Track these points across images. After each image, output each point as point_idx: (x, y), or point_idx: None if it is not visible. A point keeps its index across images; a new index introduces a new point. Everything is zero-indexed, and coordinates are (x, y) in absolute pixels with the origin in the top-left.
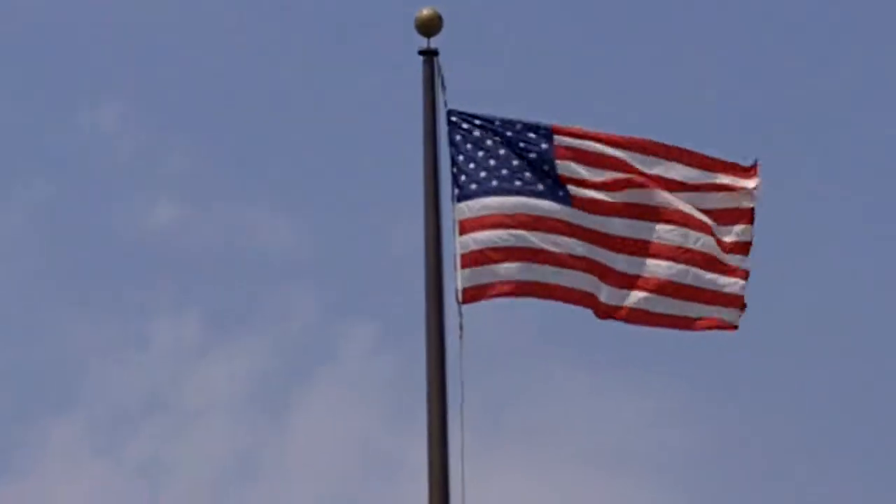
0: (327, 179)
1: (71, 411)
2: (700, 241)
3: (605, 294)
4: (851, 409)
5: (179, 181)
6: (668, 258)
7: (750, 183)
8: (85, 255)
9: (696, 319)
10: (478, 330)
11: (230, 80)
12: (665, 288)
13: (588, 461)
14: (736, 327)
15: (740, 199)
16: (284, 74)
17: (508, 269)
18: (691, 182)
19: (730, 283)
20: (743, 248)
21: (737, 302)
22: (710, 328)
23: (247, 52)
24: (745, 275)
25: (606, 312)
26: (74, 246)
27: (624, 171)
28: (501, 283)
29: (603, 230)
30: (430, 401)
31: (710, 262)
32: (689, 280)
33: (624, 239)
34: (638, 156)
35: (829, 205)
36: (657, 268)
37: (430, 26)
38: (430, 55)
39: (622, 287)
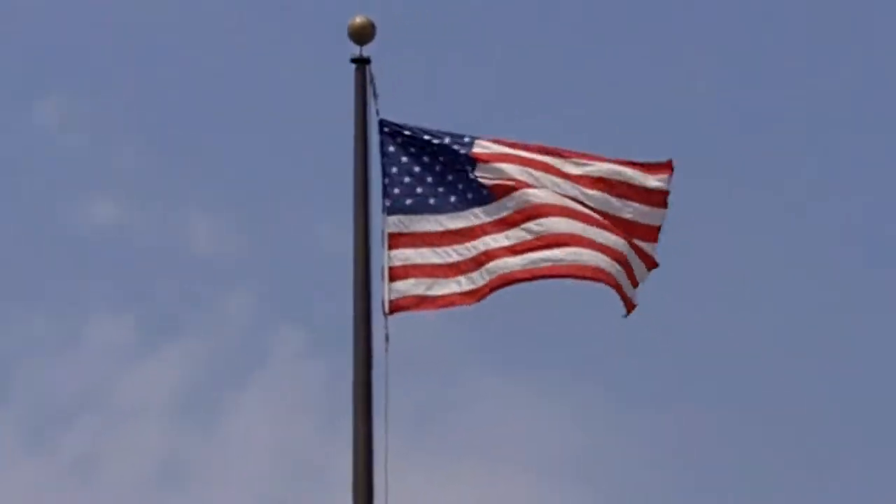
0: (261, 183)
1: (3, 408)
2: (612, 241)
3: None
4: (766, 403)
5: (119, 181)
6: (594, 224)
7: (662, 179)
8: (21, 252)
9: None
10: (404, 339)
11: (166, 82)
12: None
13: (515, 467)
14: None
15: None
16: (221, 77)
17: (437, 285)
18: (610, 179)
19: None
20: (652, 233)
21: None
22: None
23: (181, 53)
24: (653, 263)
25: (533, 274)
26: (11, 242)
27: (546, 171)
28: (429, 298)
29: (527, 204)
30: (355, 410)
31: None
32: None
33: (551, 205)
34: (559, 160)
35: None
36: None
37: (362, 34)
38: (362, 63)
39: (548, 247)
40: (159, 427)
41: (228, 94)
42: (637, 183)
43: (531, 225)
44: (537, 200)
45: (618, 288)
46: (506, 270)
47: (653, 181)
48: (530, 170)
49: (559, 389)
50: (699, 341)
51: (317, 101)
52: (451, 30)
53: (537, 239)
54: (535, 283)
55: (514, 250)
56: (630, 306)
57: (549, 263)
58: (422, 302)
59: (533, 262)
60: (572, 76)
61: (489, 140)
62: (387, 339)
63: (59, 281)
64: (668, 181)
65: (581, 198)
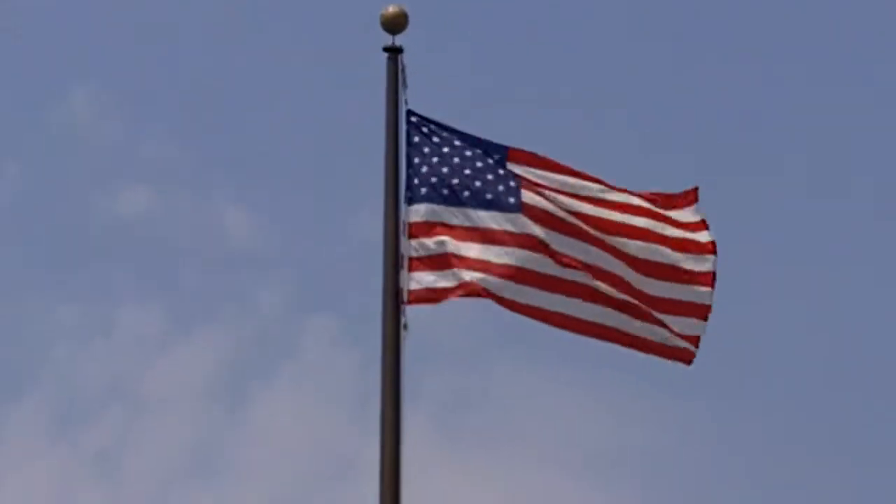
0: (292, 173)
1: (30, 396)
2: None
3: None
4: (820, 409)
5: (150, 170)
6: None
7: (693, 214)
8: (51, 241)
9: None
10: (435, 330)
11: (199, 72)
12: (625, 306)
13: (546, 462)
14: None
15: (694, 233)
16: (254, 67)
17: (454, 276)
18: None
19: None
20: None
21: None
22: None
23: (214, 46)
24: (707, 310)
25: (561, 324)
26: (40, 231)
27: (577, 198)
28: (448, 287)
29: (555, 246)
30: (383, 399)
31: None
32: (654, 290)
33: (574, 258)
34: (589, 185)
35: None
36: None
37: (395, 24)
38: (394, 52)
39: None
40: (188, 416)
41: (261, 84)
42: (673, 220)
43: (557, 266)
44: (561, 246)
45: (652, 347)
46: (521, 299)
47: (687, 215)
48: (562, 197)
49: (602, 385)
50: (729, 334)
51: (349, 91)
52: (484, 21)
53: (558, 280)
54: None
55: (530, 278)
56: (679, 355)
57: (568, 314)
58: (440, 293)
59: (550, 303)
60: (608, 75)
61: (521, 154)
62: (405, 327)
63: (90, 270)
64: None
65: (617, 245)
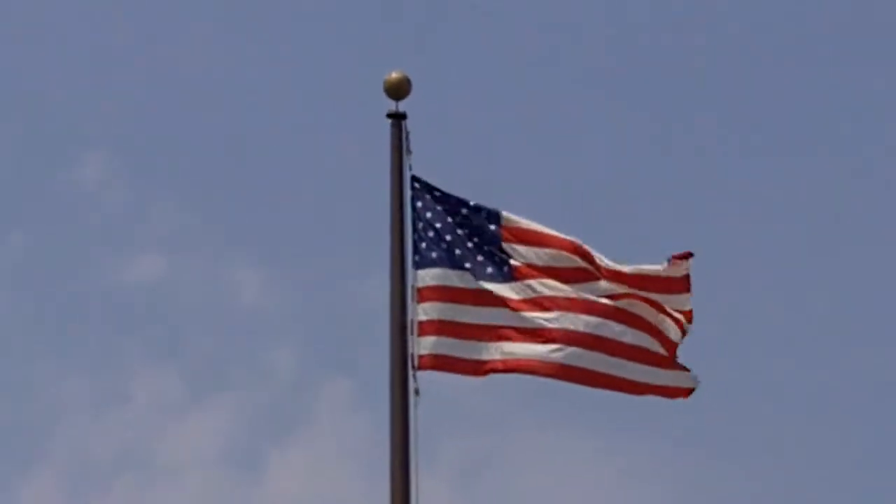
0: (303, 238)
1: (43, 466)
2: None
3: (560, 355)
4: (819, 461)
5: (161, 237)
6: (613, 318)
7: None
8: (65, 310)
9: (643, 384)
10: (445, 393)
11: (209, 141)
12: (611, 346)
13: None
14: (689, 392)
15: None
16: (261, 132)
17: (461, 348)
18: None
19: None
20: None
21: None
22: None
23: (221, 111)
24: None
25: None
26: (55, 300)
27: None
28: (459, 359)
29: (548, 293)
30: (392, 467)
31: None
32: (634, 341)
33: (569, 299)
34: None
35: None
36: (601, 326)
37: (398, 89)
38: (398, 118)
39: (565, 343)
40: (203, 484)
41: (269, 150)
42: (662, 275)
43: (550, 315)
44: (556, 292)
45: (649, 389)
46: (523, 357)
47: (677, 272)
48: (554, 259)
49: (609, 446)
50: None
51: (356, 155)
52: (488, 86)
53: (556, 331)
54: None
55: (533, 335)
56: (676, 392)
57: (571, 363)
58: (447, 362)
59: (551, 356)
60: (617, 140)
61: (517, 221)
62: (416, 393)
63: (102, 338)
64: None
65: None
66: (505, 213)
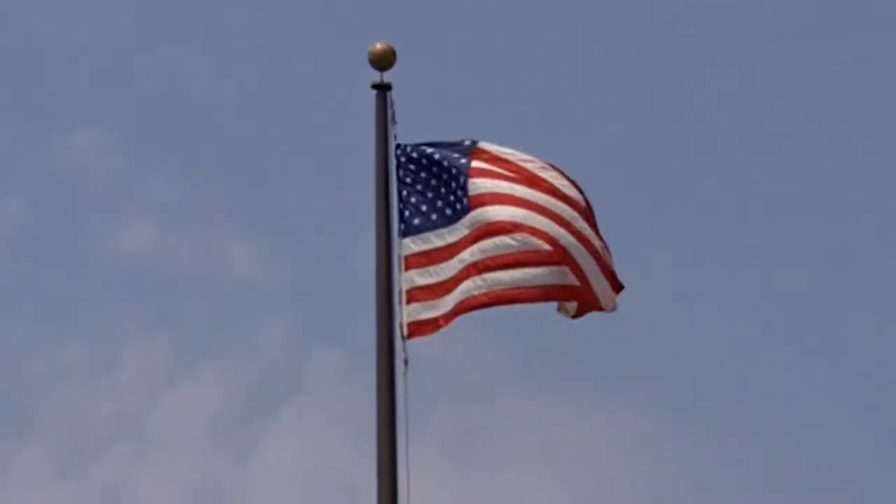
0: (295, 208)
1: (35, 434)
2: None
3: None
4: (825, 435)
5: (154, 206)
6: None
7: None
8: (56, 278)
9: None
10: (436, 363)
11: (200, 114)
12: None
13: (555, 491)
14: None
15: None
16: (253, 105)
17: (445, 302)
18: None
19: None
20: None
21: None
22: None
23: (212, 87)
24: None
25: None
26: (45, 268)
27: (531, 184)
28: (440, 316)
29: (484, 220)
30: (379, 436)
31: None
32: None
33: (516, 224)
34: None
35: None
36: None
37: (383, 60)
38: (383, 89)
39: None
40: (194, 453)
41: (256, 122)
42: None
43: (486, 243)
44: (493, 214)
45: (572, 294)
46: (466, 295)
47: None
48: (514, 185)
49: (613, 414)
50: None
51: (344, 126)
52: (472, 56)
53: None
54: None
55: (476, 268)
56: (586, 303)
57: (499, 288)
58: (427, 326)
59: (488, 284)
60: (595, 106)
61: (489, 150)
62: (406, 363)
63: (95, 306)
64: None
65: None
66: (480, 144)
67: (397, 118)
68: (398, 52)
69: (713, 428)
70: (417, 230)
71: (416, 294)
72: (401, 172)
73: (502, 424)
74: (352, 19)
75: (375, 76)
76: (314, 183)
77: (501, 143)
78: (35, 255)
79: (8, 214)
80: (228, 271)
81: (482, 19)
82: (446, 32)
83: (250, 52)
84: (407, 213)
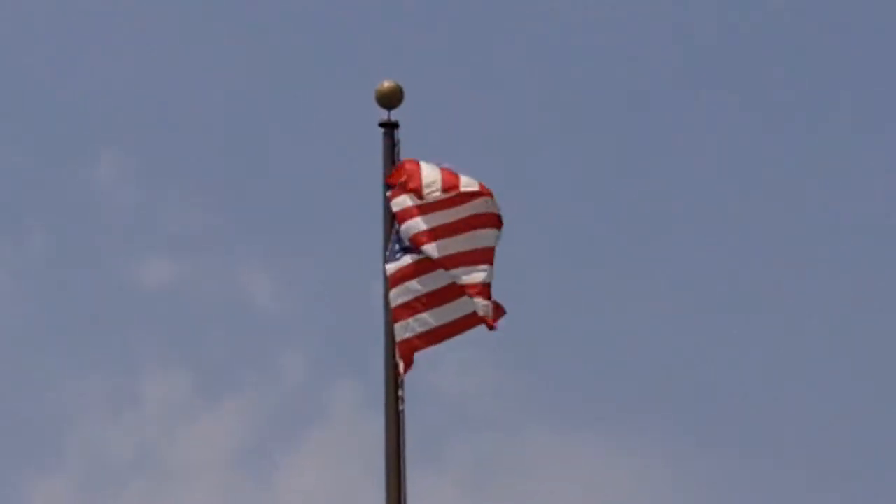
0: (312, 239)
1: (56, 468)
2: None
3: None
4: (836, 450)
5: (174, 240)
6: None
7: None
8: (77, 311)
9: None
10: (461, 393)
11: (217, 145)
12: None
13: None
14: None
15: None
16: (266, 138)
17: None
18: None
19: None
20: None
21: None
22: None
23: (231, 117)
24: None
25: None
26: (66, 301)
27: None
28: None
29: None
30: (388, 470)
31: None
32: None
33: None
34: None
35: None
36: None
37: (391, 98)
38: (389, 127)
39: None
40: (214, 484)
41: (273, 156)
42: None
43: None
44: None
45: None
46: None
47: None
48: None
49: (623, 442)
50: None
51: (354, 162)
52: (479, 95)
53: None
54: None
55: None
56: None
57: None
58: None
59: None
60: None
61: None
62: (402, 400)
63: (115, 339)
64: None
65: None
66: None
67: (402, 157)
68: (406, 91)
69: (741, 452)
70: (389, 259)
71: (406, 308)
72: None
73: (521, 456)
74: (361, 57)
75: (383, 114)
76: (329, 218)
77: (507, 182)
78: (55, 289)
79: (28, 248)
80: (248, 302)
81: (491, 57)
82: (455, 71)
83: (270, 83)
84: (392, 242)
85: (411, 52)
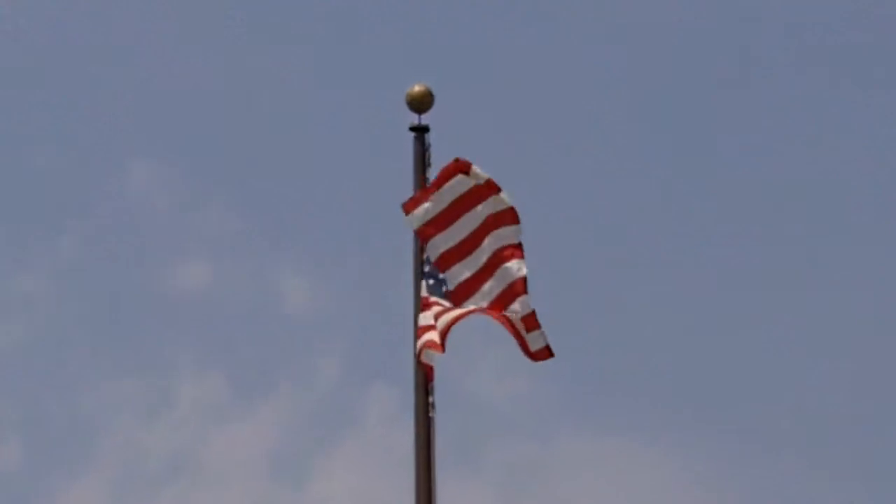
0: (339, 245)
1: (91, 469)
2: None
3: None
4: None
5: (208, 243)
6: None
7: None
8: (113, 314)
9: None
10: (491, 398)
11: (253, 148)
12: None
13: None
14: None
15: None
16: (297, 142)
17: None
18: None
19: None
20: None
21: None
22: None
23: (263, 124)
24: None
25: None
26: (102, 304)
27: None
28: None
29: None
30: (417, 472)
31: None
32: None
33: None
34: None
35: None
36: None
37: (421, 102)
38: (420, 132)
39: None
40: (248, 487)
41: (305, 160)
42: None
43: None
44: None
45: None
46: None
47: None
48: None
49: (662, 449)
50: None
51: (380, 168)
52: (510, 96)
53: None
54: None
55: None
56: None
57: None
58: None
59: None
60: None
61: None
62: (432, 406)
63: (150, 341)
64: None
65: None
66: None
67: (432, 161)
68: (436, 95)
69: (780, 456)
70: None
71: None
72: None
73: (556, 462)
74: (392, 61)
75: (413, 118)
76: (362, 222)
77: (538, 185)
78: (90, 293)
79: (64, 252)
80: (283, 306)
81: (522, 61)
82: (486, 74)
83: (303, 90)
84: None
85: (442, 56)
